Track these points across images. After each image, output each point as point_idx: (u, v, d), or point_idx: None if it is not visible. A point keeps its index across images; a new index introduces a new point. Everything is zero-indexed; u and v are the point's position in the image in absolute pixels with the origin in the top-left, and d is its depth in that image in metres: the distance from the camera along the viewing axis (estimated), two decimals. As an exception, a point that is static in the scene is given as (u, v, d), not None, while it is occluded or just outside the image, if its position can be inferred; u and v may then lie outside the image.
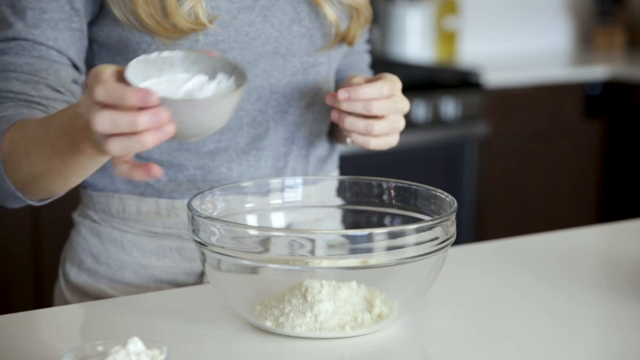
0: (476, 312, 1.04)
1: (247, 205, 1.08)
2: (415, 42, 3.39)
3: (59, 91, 1.10)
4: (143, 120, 0.83)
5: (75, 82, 1.13)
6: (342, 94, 1.09)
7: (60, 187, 1.03)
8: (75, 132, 0.93)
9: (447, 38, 3.46)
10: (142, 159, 1.15)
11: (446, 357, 0.93)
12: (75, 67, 1.14)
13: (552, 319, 1.02)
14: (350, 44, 1.22)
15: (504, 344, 0.95)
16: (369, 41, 1.38)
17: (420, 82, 2.86)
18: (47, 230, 2.43)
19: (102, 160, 0.96)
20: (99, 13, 1.13)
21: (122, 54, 1.13)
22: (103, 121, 0.84)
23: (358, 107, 1.10)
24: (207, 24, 1.10)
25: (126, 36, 1.11)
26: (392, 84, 1.11)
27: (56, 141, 0.96)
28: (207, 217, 0.94)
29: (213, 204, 1.03)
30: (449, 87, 2.92)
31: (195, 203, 0.99)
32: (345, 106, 1.10)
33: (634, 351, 0.95)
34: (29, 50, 1.10)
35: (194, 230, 0.95)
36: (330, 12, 1.18)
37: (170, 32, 1.09)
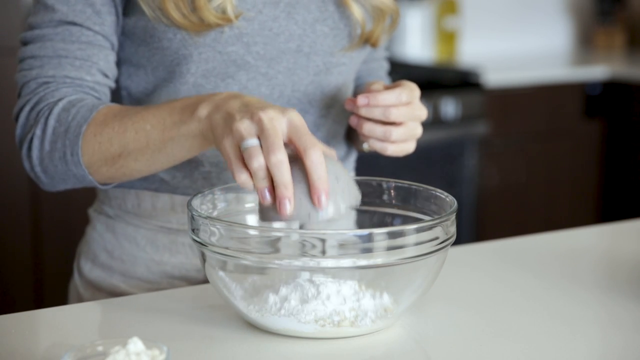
0: (476, 312, 1.04)
1: (247, 205, 1.08)
2: (415, 42, 3.39)
3: (107, 76, 1.14)
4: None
5: (116, 64, 1.16)
6: (361, 99, 1.11)
7: (141, 168, 1.08)
8: (189, 108, 1.00)
9: (447, 38, 3.46)
10: None
11: (446, 357, 0.93)
12: (114, 50, 1.16)
13: (552, 318, 1.02)
14: (374, 45, 1.23)
15: (504, 344, 0.95)
16: (387, 48, 1.38)
17: (420, 82, 2.83)
18: (47, 230, 2.43)
19: (200, 149, 1.02)
20: (127, 3, 1.14)
21: (147, 44, 1.14)
22: (245, 178, 0.93)
23: (376, 113, 1.11)
24: (234, 19, 1.11)
25: (152, 26, 1.12)
26: (410, 91, 1.13)
27: (167, 115, 1.03)
28: (207, 217, 0.94)
29: (213, 204, 1.03)
30: (449, 87, 2.92)
31: (195, 203, 0.99)
32: (364, 112, 1.12)
33: (634, 351, 0.95)
34: (77, 36, 1.12)
35: (193, 230, 0.95)
36: (358, 11, 1.19)
37: (196, 26, 1.11)
